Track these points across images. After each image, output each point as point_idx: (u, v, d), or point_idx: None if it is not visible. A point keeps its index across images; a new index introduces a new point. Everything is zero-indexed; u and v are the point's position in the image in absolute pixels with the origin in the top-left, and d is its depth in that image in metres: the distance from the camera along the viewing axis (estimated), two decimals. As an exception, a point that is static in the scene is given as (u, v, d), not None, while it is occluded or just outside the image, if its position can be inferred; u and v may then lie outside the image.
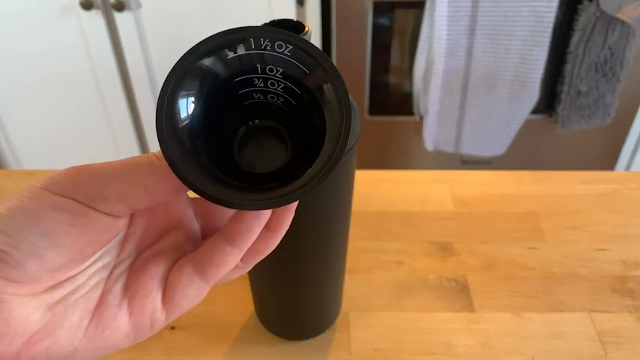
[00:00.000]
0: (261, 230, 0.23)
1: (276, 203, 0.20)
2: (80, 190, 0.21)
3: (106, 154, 1.44)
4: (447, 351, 0.46)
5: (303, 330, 0.47)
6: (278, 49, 0.21)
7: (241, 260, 0.24)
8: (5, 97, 1.34)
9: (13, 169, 1.47)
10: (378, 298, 0.50)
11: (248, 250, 0.24)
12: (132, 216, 0.25)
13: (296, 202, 0.22)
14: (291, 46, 0.20)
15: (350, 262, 0.53)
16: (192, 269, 0.23)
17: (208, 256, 0.23)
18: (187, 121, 0.21)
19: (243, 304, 0.50)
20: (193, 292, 0.23)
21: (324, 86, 0.21)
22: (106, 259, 0.24)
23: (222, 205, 0.20)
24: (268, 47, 0.21)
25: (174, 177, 0.20)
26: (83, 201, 0.21)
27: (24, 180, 0.65)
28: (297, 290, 0.42)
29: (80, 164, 0.22)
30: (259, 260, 0.25)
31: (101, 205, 0.21)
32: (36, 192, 0.21)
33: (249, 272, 0.43)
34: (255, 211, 0.22)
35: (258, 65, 0.21)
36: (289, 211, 0.23)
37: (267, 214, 0.23)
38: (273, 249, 0.25)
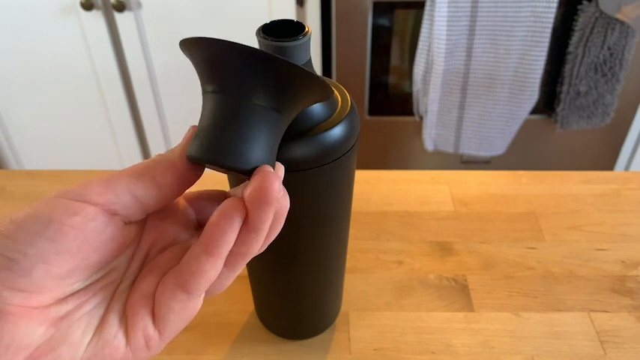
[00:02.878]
0: (241, 231, 0.23)
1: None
2: (92, 192, 0.22)
3: (107, 153, 1.44)
4: (446, 350, 0.46)
5: (303, 330, 0.47)
6: None
7: (226, 265, 0.24)
8: (6, 97, 1.34)
9: (14, 169, 1.47)
10: (377, 298, 0.50)
11: (231, 253, 0.23)
12: (142, 233, 0.25)
13: (272, 198, 0.22)
14: None
15: (350, 262, 0.53)
16: (174, 282, 0.23)
17: (187, 267, 0.23)
18: None
19: (244, 304, 0.50)
20: (178, 305, 0.23)
21: None
22: (114, 276, 0.24)
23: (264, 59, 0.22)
24: None
25: (176, 167, 0.23)
26: (94, 201, 0.22)
27: (24, 180, 0.65)
28: (297, 290, 0.42)
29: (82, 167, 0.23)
30: (245, 263, 0.24)
31: (112, 199, 0.22)
32: (50, 200, 0.22)
33: (250, 272, 0.43)
34: (227, 214, 0.22)
35: None
36: (266, 207, 0.22)
37: (238, 215, 0.22)
38: (256, 250, 0.24)
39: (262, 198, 0.22)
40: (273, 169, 0.24)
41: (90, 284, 0.23)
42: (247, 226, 0.23)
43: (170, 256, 0.25)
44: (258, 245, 0.24)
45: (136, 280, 0.25)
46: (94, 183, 0.22)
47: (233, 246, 0.23)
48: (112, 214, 0.22)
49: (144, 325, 0.23)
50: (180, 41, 0.23)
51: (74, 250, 0.21)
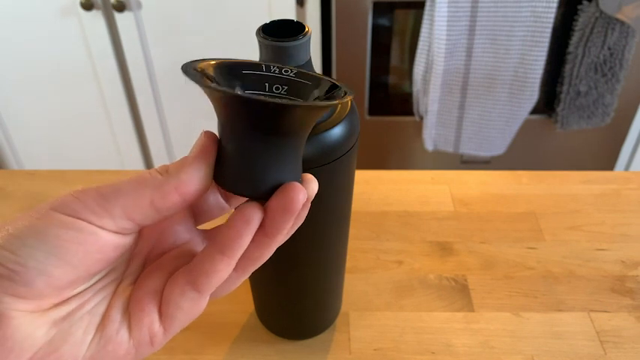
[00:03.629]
0: (256, 236, 0.23)
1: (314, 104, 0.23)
2: (88, 210, 0.21)
3: (107, 153, 1.44)
4: (446, 350, 0.46)
5: (303, 330, 0.47)
6: (284, 73, 0.25)
7: (235, 269, 0.24)
8: (6, 97, 1.34)
9: (14, 169, 1.47)
10: (377, 298, 0.50)
11: (242, 257, 0.23)
12: (140, 233, 0.25)
13: (295, 208, 0.22)
14: (295, 70, 0.25)
15: (350, 262, 0.53)
16: (185, 280, 0.23)
17: (199, 266, 0.23)
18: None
19: (244, 304, 0.50)
20: (187, 303, 0.23)
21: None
22: (114, 275, 0.24)
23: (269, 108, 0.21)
24: (276, 71, 0.25)
25: (179, 190, 0.22)
26: (91, 221, 0.21)
27: (24, 180, 0.65)
28: (297, 290, 0.42)
29: (84, 188, 0.22)
30: (255, 268, 0.24)
31: (109, 223, 0.22)
32: (45, 212, 0.21)
33: (250, 272, 0.43)
34: (245, 216, 0.22)
35: (267, 83, 0.25)
36: (285, 214, 0.22)
37: (256, 219, 0.22)
38: (268, 256, 0.24)
39: (285, 206, 0.22)
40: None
41: (91, 285, 0.23)
42: (264, 230, 0.23)
43: (175, 255, 0.25)
44: (271, 252, 0.24)
45: (140, 278, 0.25)
46: (89, 198, 0.21)
47: (246, 250, 0.23)
48: (109, 231, 0.22)
49: (150, 321, 0.23)
50: (183, 71, 0.22)
51: (75, 263, 0.21)
